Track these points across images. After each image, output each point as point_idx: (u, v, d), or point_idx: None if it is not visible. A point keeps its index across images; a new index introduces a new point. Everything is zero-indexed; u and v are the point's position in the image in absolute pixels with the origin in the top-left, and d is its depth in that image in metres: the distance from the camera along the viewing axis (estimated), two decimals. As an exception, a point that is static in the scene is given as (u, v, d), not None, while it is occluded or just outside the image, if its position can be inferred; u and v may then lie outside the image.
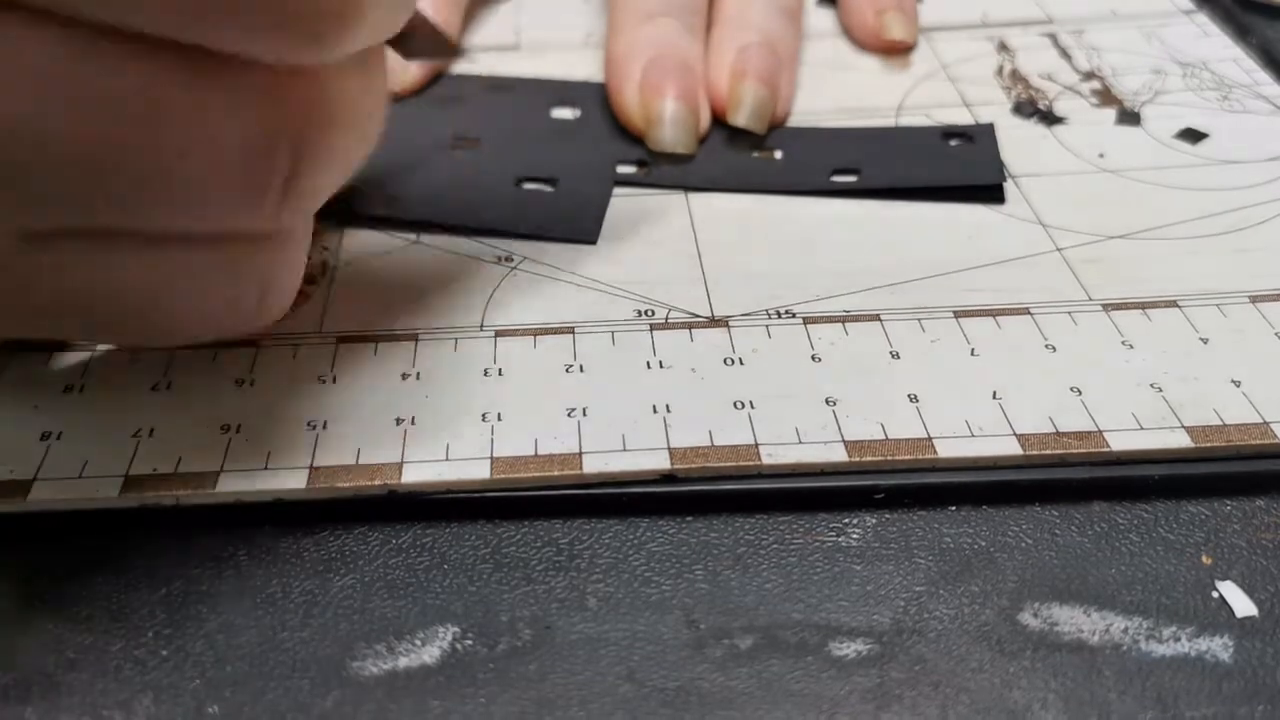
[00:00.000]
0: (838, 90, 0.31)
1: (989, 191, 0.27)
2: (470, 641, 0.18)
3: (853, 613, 0.18)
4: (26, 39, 0.14)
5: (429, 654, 0.18)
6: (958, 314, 0.23)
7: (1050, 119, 0.30)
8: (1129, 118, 0.30)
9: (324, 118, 0.16)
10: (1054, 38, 0.34)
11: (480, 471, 0.20)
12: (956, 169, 0.28)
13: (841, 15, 0.35)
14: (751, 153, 0.28)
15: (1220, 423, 0.21)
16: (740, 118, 0.28)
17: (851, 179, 0.27)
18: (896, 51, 0.33)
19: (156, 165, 0.15)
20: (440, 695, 0.17)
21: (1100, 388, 0.21)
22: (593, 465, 0.20)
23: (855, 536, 0.20)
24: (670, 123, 0.28)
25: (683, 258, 0.25)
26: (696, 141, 0.28)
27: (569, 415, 0.21)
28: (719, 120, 0.29)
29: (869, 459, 0.20)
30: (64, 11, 0.14)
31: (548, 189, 0.27)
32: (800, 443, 0.20)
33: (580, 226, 0.26)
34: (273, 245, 0.18)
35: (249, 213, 0.17)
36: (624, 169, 0.28)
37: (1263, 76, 0.32)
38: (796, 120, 0.30)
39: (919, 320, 0.23)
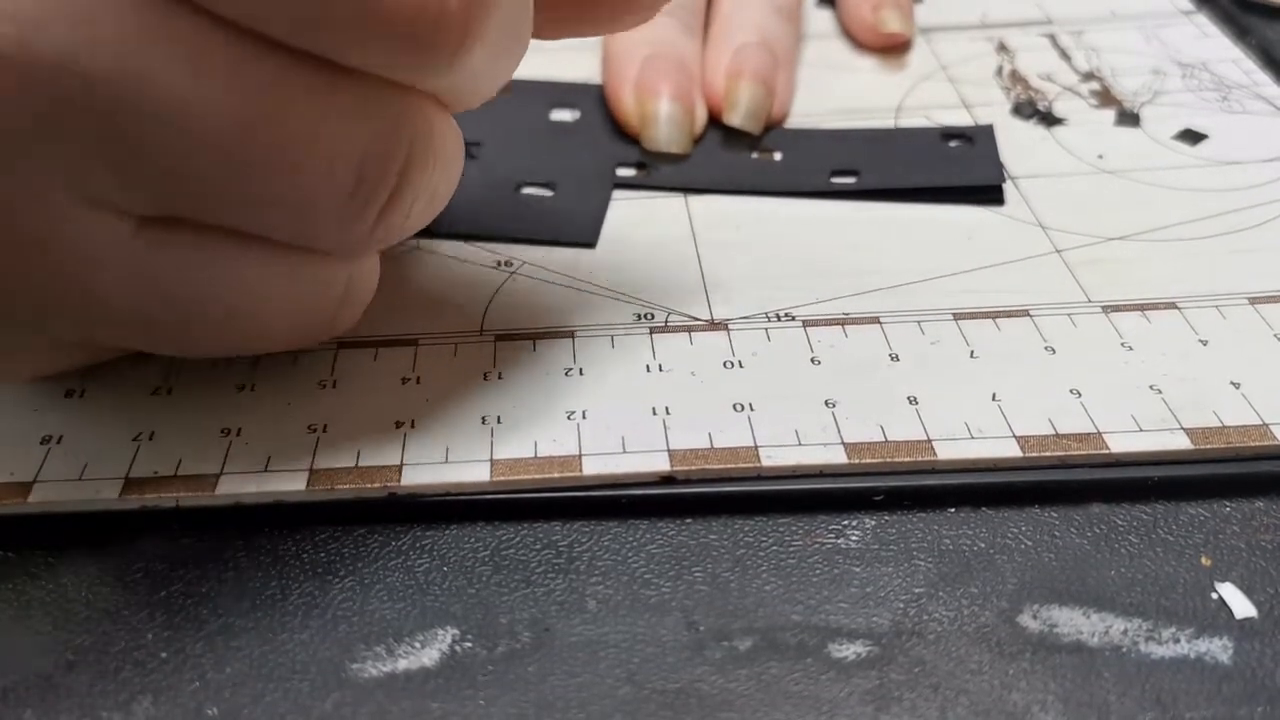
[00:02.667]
0: (837, 91, 0.31)
1: (988, 193, 0.27)
2: (470, 644, 0.18)
3: (852, 614, 0.18)
4: (181, 25, 0.15)
5: (428, 656, 0.18)
6: (957, 316, 0.23)
7: (1050, 120, 0.30)
8: (1128, 118, 0.30)
9: (429, 148, 0.18)
10: (1053, 38, 0.34)
11: (480, 474, 0.20)
12: (956, 170, 0.28)
13: (839, 14, 0.35)
14: (751, 154, 0.29)
15: (1219, 424, 0.21)
16: (736, 118, 0.28)
17: (851, 180, 0.27)
18: (894, 47, 0.33)
19: (280, 163, 0.16)
20: (439, 697, 0.17)
21: (1099, 389, 0.21)
22: (592, 467, 0.20)
23: (854, 538, 0.20)
24: (665, 122, 0.28)
25: (682, 261, 0.25)
26: (692, 141, 0.28)
27: (568, 418, 0.21)
28: (716, 121, 0.29)
29: (868, 461, 0.20)
30: (210, 8, 0.15)
31: (547, 193, 0.27)
32: (800, 445, 0.20)
33: (580, 230, 0.26)
34: (357, 262, 0.19)
35: (349, 226, 0.17)
36: (623, 171, 0.28)
37: (1262, 77, 0.32)
38: (796, 121, 0.30)
39: (918, 322, 0.23)
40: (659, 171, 0.28)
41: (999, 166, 0.28)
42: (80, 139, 0.15)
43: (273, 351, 0.20)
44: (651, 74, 0.28)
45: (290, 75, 0.16)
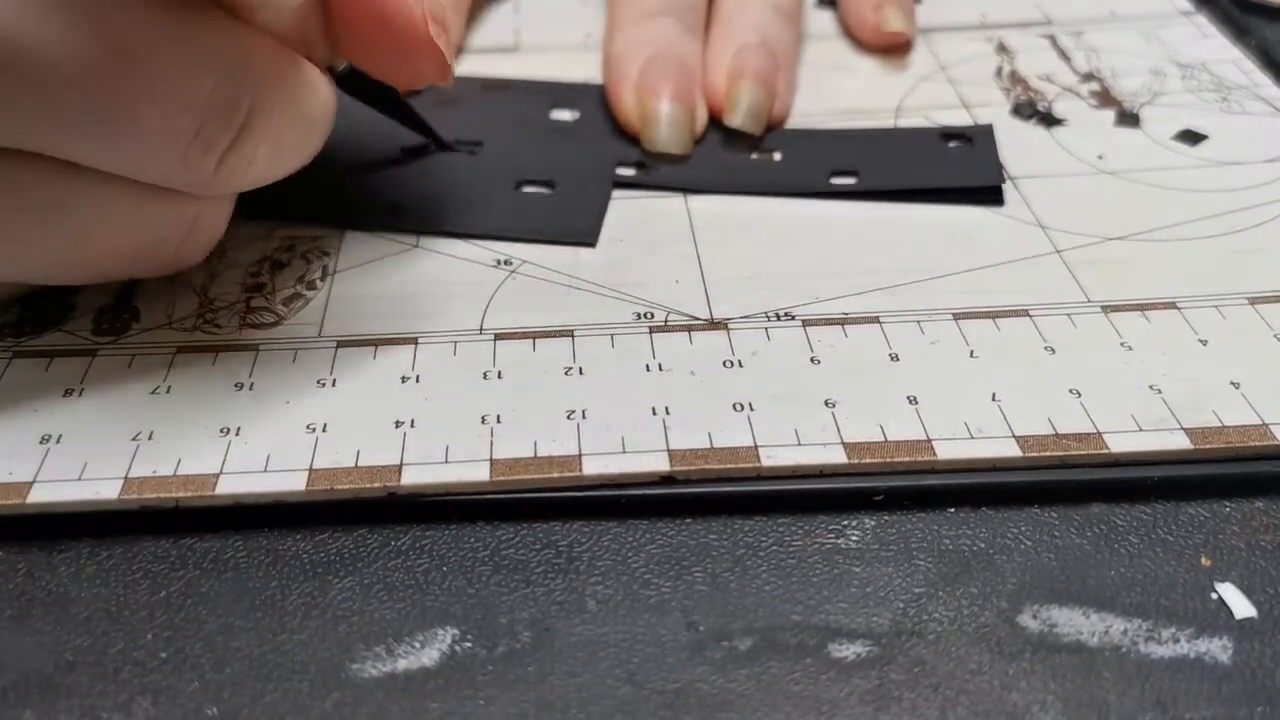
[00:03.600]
0: (837, 91, 0.31)
1: (988, 193, 0.27)
2: (469, 644, 0.18)
3: (852, 614, 0.18)
4: None
5: (428, 656, 0.18)
6: (957, 316, 0.23)
7: (1049, 120, 0.30)
8: (1128, 119, 0.30)
9: (276, 98, 0.19)
10: (1053, 39, 0.34)
11: (479, 474, 0.20)
12: (955, 171, 0.28)
13: (840, 14, 0.35)
14: (750, 154, 0.28)
15: (1219, 424, 0.21)
16: (736, 119, 0.28)
17: (850, 181, 0.27)
18: (896, 46, 0.33)
19: (123, 104, 0.17)
20: (439, 697, 0.17)
21: (1099, 389, 0.21)
22: (592, 467, 0.20)
23: (854, 538, 0.20)
24: (665, 123, 0.28)
25: (682, 260, 0.25)
26: (692, 142, 0.28)
27: (568, 417, 0.21)
28: (716, 121, 0.29)
29: (868, 461, 0.20)
30: None
31: (546, 191, 0.27)
32: (799, 445, 0.20)
33: (579, 229, 0.26)
34: (201, 204, 0.20)
35: (192, 167, 0.19)
36: (623, 171, 0.28)
37: (1262, 78, 0.32)
38: (795, 122, 0.30)
39: (918, 322, 0.23)
40: (659, 171, 0.28)
41: (998, 167, 0.28)
42: None
43: (113, 281, 0.22)
44: (652, 75, 0.28)
45: (136, 17, 0.17)
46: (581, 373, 0.22)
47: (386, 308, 0.24)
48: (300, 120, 0.20)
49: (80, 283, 0.22)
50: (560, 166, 0.28)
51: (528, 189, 0.27)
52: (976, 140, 0.29)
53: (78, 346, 0.22)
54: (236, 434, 0.20)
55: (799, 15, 0.33)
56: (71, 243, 0.20)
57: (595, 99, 0.30)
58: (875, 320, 0.23)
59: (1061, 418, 0.21)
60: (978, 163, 0.28)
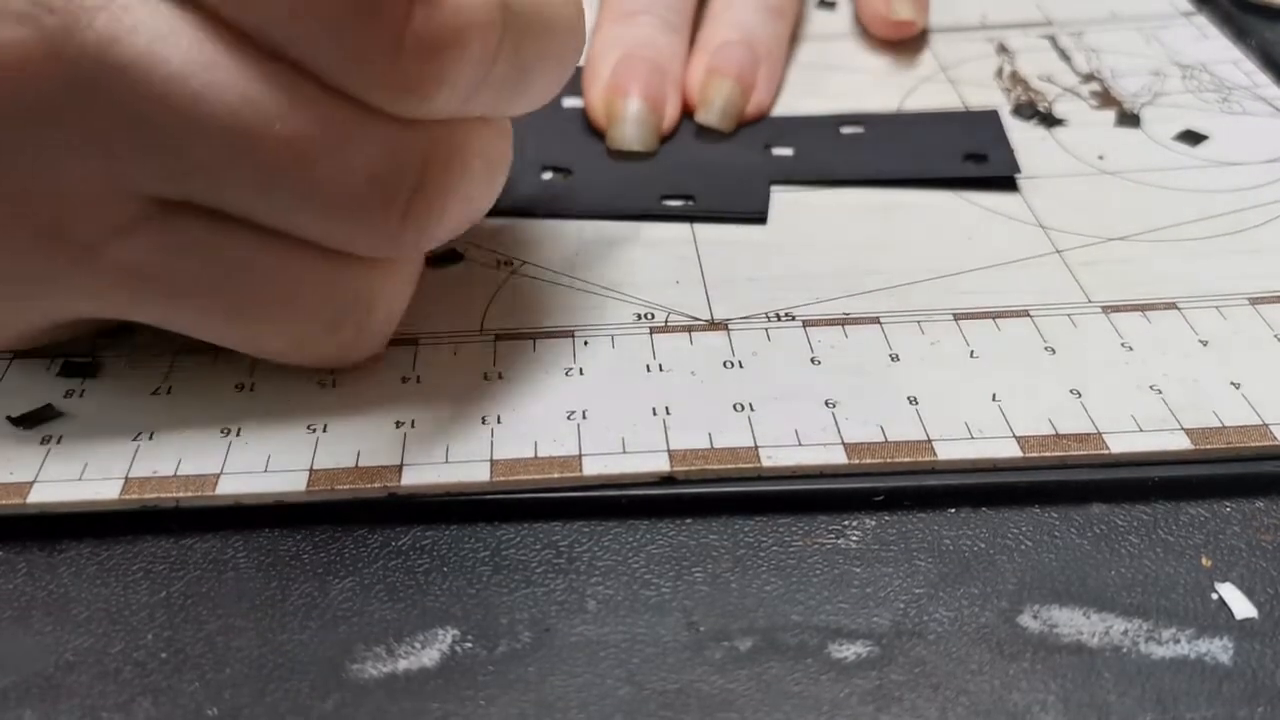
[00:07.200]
0: (837, 92, 0.31)
1: (1001, 181, 0.27)
2: (470, 644, 0.18)
3: (852, 615, 0.18)
4: (205, 27, 0.16)
5: (428, 656, 0.18)
6: (957, 316, 0.23)
7: (1050, 121, 0.30)
8: (1129, 119, 0.30)
9: (445, 160, 0.18)
10: (1053, 40, 0.34)
11: (480, 474, 0.20)
12: (969, 158, 0.28)
13: (856, 8, 0.35)
14: (768, 150, 0.29)
15: (1219, 424, 0.21)
16: (710, 116, 0.29)
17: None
18: (906, 36, 0.33)
19: (293, 161, 0.17)
20: (440, 698, 0.17)
21: (1099, 390, 0.21)
22: (592, 468, 0.20)
23: (855, 539, 0.20)
24: (631, 121, 0.28)
25: (682, 260, 0.25)
26: (658, 140, 0.28)
27: (569, 418, 0.21)
28: (728, 132, 0.29)
29: (868, 461, 0.20)
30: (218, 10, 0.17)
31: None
32: (800, 445, 0.20)
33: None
34: (380, 272, 0.20)
35: (370, 229, 0.18)
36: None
37: (1262, 79, 0.32)
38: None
39: (918, 322, 0.23)
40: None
41: (1011, 154, 0.28)
42: (104, 116, 0.16)
43: (270, 359, 0.21)
44: (622, 74, 0.29)
45: (309, 85, 0.17)
46: (582, 373, 0.22)
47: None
48: (484, 170, 0.19)
49: (251, 349, 0.21)
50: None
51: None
52: (983, 124, 0.29)
53: (79, 347, 0.22)
54: (237, 434, 0.20)
55: (790, 11, 0.32)
56: (242, 304, 0.19)
57: None
58: (875, 321, 0.23)
59: (1062, 418, 0.21)
60: (993, 153, 0.28)
